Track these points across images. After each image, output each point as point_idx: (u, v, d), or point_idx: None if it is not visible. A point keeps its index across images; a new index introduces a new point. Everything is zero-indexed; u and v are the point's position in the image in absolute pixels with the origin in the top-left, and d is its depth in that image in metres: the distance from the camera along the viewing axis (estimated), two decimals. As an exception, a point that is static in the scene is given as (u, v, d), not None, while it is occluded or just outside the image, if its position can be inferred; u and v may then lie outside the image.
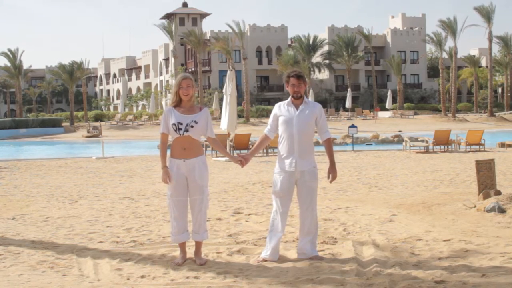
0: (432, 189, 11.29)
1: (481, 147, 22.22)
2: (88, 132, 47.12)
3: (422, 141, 22.91)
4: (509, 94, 65.68)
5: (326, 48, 68.00)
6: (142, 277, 5.32)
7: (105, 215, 8.82)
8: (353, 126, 24.23)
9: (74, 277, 5.39)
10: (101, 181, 13.97)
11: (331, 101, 70.65)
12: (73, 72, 61.92)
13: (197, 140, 5.77)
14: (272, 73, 68.21)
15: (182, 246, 5.82)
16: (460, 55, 67.99)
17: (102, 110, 76.76)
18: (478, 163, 9.41)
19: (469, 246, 6.20)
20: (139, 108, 73.75)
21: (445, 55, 61.89)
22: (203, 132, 5.75)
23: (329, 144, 5.94)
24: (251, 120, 53.92)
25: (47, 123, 52.76)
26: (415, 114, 59.55)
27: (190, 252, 5.94)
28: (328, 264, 5.61)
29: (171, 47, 65.15)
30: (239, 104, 53.91)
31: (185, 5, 72.59)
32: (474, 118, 56.23)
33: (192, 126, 5.64)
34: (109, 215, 8.86)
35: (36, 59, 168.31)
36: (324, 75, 70.17)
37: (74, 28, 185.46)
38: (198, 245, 5.86)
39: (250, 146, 22.34)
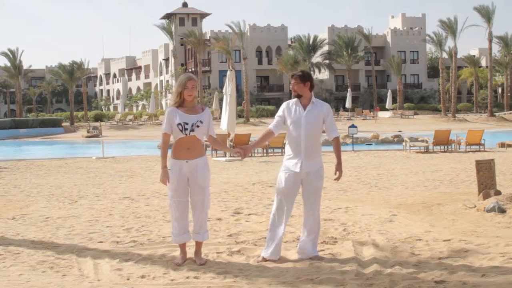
0: (432, 189, 11.29)
1: (481, 147, 22.22)
2: (88, 132, 47.12)
3: (422, 141, 22.91)
4: (509, 94, 65.69)
5: (326, 48, 68.02)
6: (142, 277, 5.32)
7: (105, 215, 8.82)
8: (353, 126, 24.23)
9: (74, 277, 5.39)
10: (101, 181, 13.97)
11: (331, 101, 70.64)
12: (73, 72, 61.94)
13: (201, 140, 5.80)
14: (272, 73, 68.22)
15: (183, 246, 5.82)
16: (460, 55, 68.04)
17: (102, 110, 76.77)
18: (478, 163, 9.41)
19: (469, 246, 6.20)
20: (139, 108, 73.76)
21: (445, 55, 61.91)
22: (206, 132, 5.76)
23: (337, 143, 5.94)
24: (251, 120, 53.91)
25: (47, 123, 52.76)
26: (415, 114, 59.56)
27: (190, 252, 5.94)
28: (328, 264, 5.61)
29: (171, 47, 65.15)
30: (239, 104, 53.92)
31: (185, 5, 72.60)
32: (474, 118, 56.23)
33: (198, 126, 5.67)
34: (109, 215, 8.86)
35: (36, 59, 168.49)
36: (324, 75, 70.18)
37: (74, 28, 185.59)
38: (199, 245, 5.86)
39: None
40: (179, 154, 5.70)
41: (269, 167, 16.55)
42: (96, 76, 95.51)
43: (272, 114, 54.04)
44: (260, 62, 70.31)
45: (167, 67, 74.29)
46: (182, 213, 5.73)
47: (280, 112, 5.91)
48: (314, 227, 5.88)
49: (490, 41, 56.76)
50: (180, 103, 5.69)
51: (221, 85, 55.90)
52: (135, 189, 12.11)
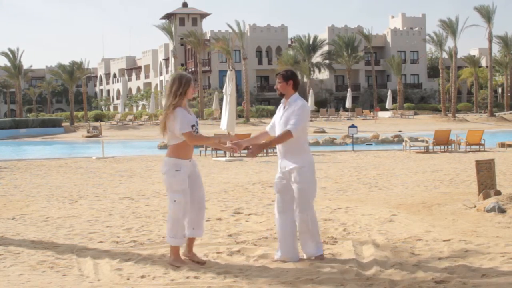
0: (432, 189, 11.29)
1: (481, 147, 22.22)
2: (88, 132, 47.12)
3: (422, 141, 22.91)
4: (509, 94, 65.70)
5: (326, 48, 68.03)
6: (142, 277, 5.32)
7: (105, 215, 8.82)
8: (353, 126, 24.24)
9: (74, 277, 5.39)
10: (101, 181, 13.97)
11: (331, 101, 70.67)
12: (73, 72, 61.95)
13: None
14: (272, 73, 68.18)
15: (178, 248, 5.81)
16: (460, 55, 68.05)
17: (102, 110, 76.76)
18: (478, 163, 9.41)
19: (469, 246, 6.20)
20: (139, 108, 73.76)
21: (445, 55, 61.90)
22: None
23: (282, 135, 5.64)
24: (251, 120, 53.92)
25: (47, 123, 52.76)
26: (415, 114, 59.55)
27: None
28: (328, 264, 5.61)
29: (171, 47, 65.15)
30: (239, 104, 53.92)
31: (185, 5, 72.61)
32: (474, 118, 56.24)
33: (198, 125, 5.73)
34: (109, 215, 8.86)
35: (36, 59, 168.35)
36: (324, 75, 70.19)
37: (74, 28, 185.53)
38: (193, 241, 5.86)
39: (250, 146, 22.30)
40: (185, 154, 5.68)
41: (269, 167, 16.55)
42: (96, 76, 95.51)
43: (272, 114, 54.00)
44: (260, 62, 70.32)
45: (167, 67, 74.29)
46: (185, 214, 5.73)
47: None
48: (304, 228, 5.80)
49: (490, 41, 56.77)
50: (180, 103, 5.66)
51: (221, 85, 55.87)
52: (135, 189, 12.11)
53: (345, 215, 8.41)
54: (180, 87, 5.60)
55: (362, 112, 58.85)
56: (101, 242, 6.90)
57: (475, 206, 8.51)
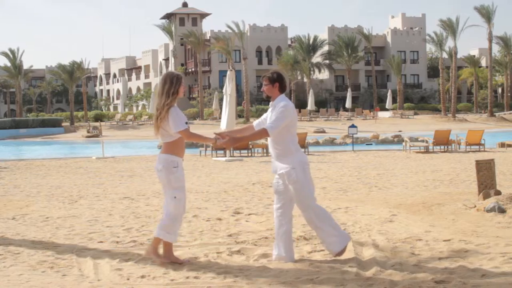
0: (432, 189, 11.29)
1: (481, 147, 22.22)
2: (88, 132, 47.13)
3: (422, 141, 22.91)
4: (509, 94, 65.70)
5: (326, 48, 68.02)
6: (142, 277, 5.32)
7: (105, 215, 8.82)
8: (353, 126, 24.24)
9: (74, 277, 5.39)
10: (101, 181, 13.97)
11: (331, 101, 70.67)
12: (73, 72, 61.97)
13: None
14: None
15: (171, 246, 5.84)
16: (460, 55, 68.08)
17: (102, 110, 76.78)
18: (478, 163, 9.41)
19: (469, 246, 6.20)
20: (139, 108, 73.75)
21: (445, 55, 61.91)
22: None
23: (259, 131, 5.66)
24: (251, 120, 53.89)
25: (47, 123, 52.78)
26: (415, 114, 59.56)
27: (190, 252, 5.94)
28: (328, 264, 5.61)
29: (171, 47, 65.18)
30: (239, 104, 53.92)
31: (185, 5, 72.60)
32: (474, 118, 56.24)
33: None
34: (109, 215, 8.86)
35: (36, 59, 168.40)
36: (324, 75, 70.18)
37: (74, 28, 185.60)
38: (159, 242, 5.86)
39: (251, 146, 22.35)
40: (180, 152, 5.71)
41: (269, 167, 16.55)
42: (96, 76, 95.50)
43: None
44: (260, 62, 70.30)
45: (167, 67, 74.25)
46: (184, 211, 5.77)
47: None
48: (312, 226, 5.83)
49: (490, 41, 56.79)
50: (173, 103, 5.62)
51: (221, 85, 55.86)
52: (135, 189, 12.11)
53: (345, 215, 8.40)
54: (172, 86, 5.60)
55: (362, 112, 58.85)
56: (101, 242, 6.89)
57: (475, 206, 8.51)
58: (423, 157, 19.76)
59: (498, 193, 8.91)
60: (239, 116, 53.02)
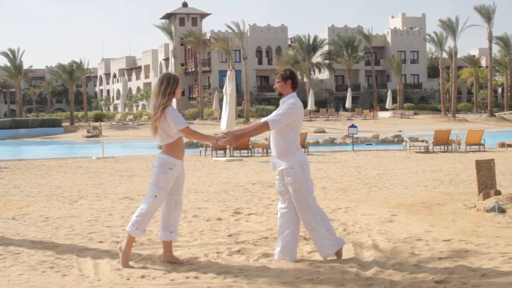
0: (432, 189, 11.29)
1: (481, 147, 22.22)
2: (88, 132, 47.13)
3: (422, 141, 22.91)
4: (509, 94, 65.69)
5: (326, 48, 68.02)
6: (142, 277, 5.31)
7: (105, 215, 8.82)
8: (353, 126, 24.24)
9: (74, 277, 5.39)
10: (101, 181, 13.97)
11: (331, 101, 70.65)
12: (73, 72, 61.97)
13: None
14: (272, 73, 67.98)
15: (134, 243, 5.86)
16: (460, 55, 68.05)
17: (102, 110, 76.78)
18: (478, 163, 9.41)
19: (469, 246, 6.20)
20: (139, 108, 73.74)
21: (445, 55, 61.89)
22: None
23: (259, 124, 5.60)
24: (251, 120, 53.89)
25: (47, 123, 52.77)
26: (415, 114, 59.55)
27: (190, 252, 5.93)
28: (328, 264, 5.61)
29: (171, 47, 65.16)
30: (239, 104, 53.91)
31: (185, 5, 72.58)
32: (474, 118, 56.24)
33: None
34: (109, 215, 8.86)
35: (36, 59, 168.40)
36: (324, 75, 70.17)
37: (74, 28, 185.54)
38: (170, 245, 5.84)
39: (251, 146, 22.35)
40: (180, 154, 5.70)
41: (269, 167, 16.53)
42: (96, 76, 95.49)
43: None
44: (260, 62, 70.28)
45: (167, 67, 74.24)
46: (155, 211, 5.76)
47: None
48: (308, 227, 5.80)
49: (490, 41, 56.77)
50: (169, 103, 5.63)
51: (221, 85, 55.88)
52: (135, 189, 12.11)
53: (345, 215, 8.40)
54: (168, 86, 5.59)
55: (362, 112, 58.84)
56: (101, 242, 6.89)
57: (475, 206, 8.51)
58: (423, 157, 19.76)
59: (498, 193, 8.91)
60: (239, 116, 53.01)
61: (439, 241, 6.53)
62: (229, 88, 20.39)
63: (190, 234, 7.24)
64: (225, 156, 20.64)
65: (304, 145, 22.23)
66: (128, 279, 5.27)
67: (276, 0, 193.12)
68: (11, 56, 63.08)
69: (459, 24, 57.23)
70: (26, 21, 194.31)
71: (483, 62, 74.34)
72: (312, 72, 65.74)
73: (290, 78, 5.78)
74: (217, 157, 21.04)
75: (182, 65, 69.19)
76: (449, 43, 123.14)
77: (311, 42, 65.96)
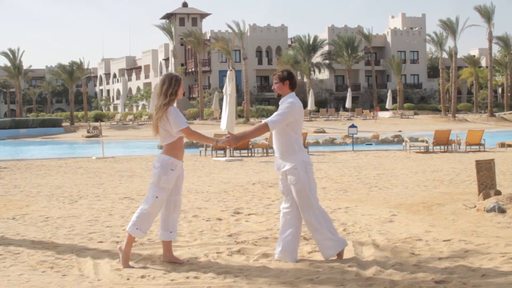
0: (432, 189, 11.29)
1: (481, 147, 22.22)
2: (88, 132, 47.12)
3: (422, 141, 22.91)
4: (509, 94, 65.68)
5: (326, 48, 68.01)
6: (142, 277, 5.31)
7: (105, 215, 8.82)
8: (353, 126, 24.24)
9: (74, 277, 5.39)
10: (101, 181, 13.97)
11: (331, 101, 70.65)
12: (73, 72, 61.97)
13: None
14: (272, 73, 67.32)
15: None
16: (460, 55, 68.05)
17: (102, 110, 76.77)
18: (478, 163, 9.41)
19: (469, 246, 6.20)
20: (139, 108, 73.76)
21: (445, 55, 61.88)
22: None
23: (259, 126, 5.62)
24: (251, 120, 53.92)
25: (47, 123, 52.77)
26: (415, 114, 59.54)
27: (190, 252, 5.93)
28: (328, 264, 5.61)
29: (171, 47, 65.16)
30: (239, 104, 53.92)
31: (185, 5, 72.58)
32: (474, 118, 56.23)
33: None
34: (109, 215, 8.86)
35: (36, 59, 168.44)
36: (324, 75, 70.17)
37: (74, 28, 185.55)
38: (170, 245, 5.85)
39: (251, 146, 22.34)
40: (180, 155, 5.71)
41: (269, 167, 16.55)
42: (96, 76, 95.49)
43: (272, 114, 53.98)
44: (260, 62, 70.28)
45: (167, 67, 74.24)
46: (158, 212, 5.75)
47: None
48: (310, 228, 5.79)
49: (490, 41, 56.76)
50: (171, 103, 5.62)
51: (221, 85, 55.89)
52: (135, 189, 12.11)
53: (345, 215, 8.40)
54: (170, 87, 5.60)
55: (362, 112, 58.85)
56: (101, 242, 6.89)
57: (475, 206, 8.51)
58: (423, 157, 19.76)
59: (498, 193, 8.91)
60: (239, 116, 53.03)
61: (439, 241, 6.53)
62: (229, 88, 20.39)
63: (190, 234, 7.24)
64: (225, 156, 20.64)
65: (304, 145, 22.19)
66: (128, 279, 5.27)
67: (276, 0, 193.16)
68: (11, 56, 63.09)
69: (459, 24, 57.29)
70: (26, 21, 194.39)
71: (483, 62, 74.34)
72: (312, 72, 65.73)
73: (288, 79, 5.78)
74: (217, 157, 21.04)
75: (182, 65, 69.19)
76: (449, 43, 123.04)
77: (311, 42, 65.96)
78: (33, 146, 37.61)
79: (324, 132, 41.99)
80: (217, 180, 13.68)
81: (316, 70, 66.79)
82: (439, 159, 18.61)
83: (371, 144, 29.39)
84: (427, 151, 21.95)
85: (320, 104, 64.93)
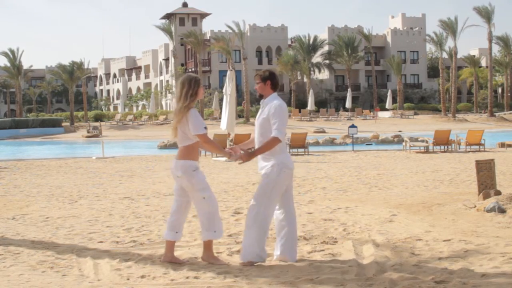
0: (432, 189, 11.28)
1: (481, 147, 22.21)
2: (88, 132, 47.12)
3: (422, 141, 22.90)
4: (509, 94, 65.70)
5: (326, 48, 68.03)
6: (142, 277, 5.31)
7: (105, 215, 8.82)
8: (353, 126, 24.23)
9: (74, 277, 5.39)
10: (101, 181, 13.97)
11: (331, 101, 70.65)
12: (73, 72, 61.99)
13: None
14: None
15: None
16: (460, 55, 68.05)
17: (102, 110, 76.77)
18: (478, 163, 9.41)
19: (469, 246, 6.20)
20: (139, 108, 73.76)
21: (445, 55, 61.90)
22: None
23: (269, 141, 5.54)
24: (251, 120, 53.89)
25: (47, 123, 52.76)
26: (415, 114, 59.56)
27: (190, 252, 5.93)
28: (328, 264, 5.61)
29: (171, 47, 65.17)
30: (239, 104, 53.91)
31: (185, 5, 72.59)
32: (474, 118, 56.23)
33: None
34: (109, 215, 8.86)
35: (36, 59, 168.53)
36: (324, 75, 70.18)
37: (74, 28, 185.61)
38: (172, 245, 5.89)
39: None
40: (196, 156, 5.71)
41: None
42: (96, 76, 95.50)
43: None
44: (260, 62, 70.30)
45: (167, 67, 74.28)
46: (216, 208, 5.74)
47: None
48: (248, 220, 5.69)
49: (490, 41, 56.78)
50: (192, 105, 5.60)
51: (221, 85, 55.88)
52: (135, 189, 12.11)
53: (345, 215, 8.40)
54: (190, 89, 5.59)
55: (362, 112, 58.85)
56: (101, 242, 6.89)
57: (475, 206, 8.51)
58: (423, 157, 19.76)
59: (498, 193, 8.91)
60: (239, 116, 53.03)
61: (439, 241, 6.53)
62: (229, 88, 20.39)
63: (190, 234, 7.24)
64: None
65: (304, 145, 22.24)
66: (128, 279, 5.27)
67: (276, 0, 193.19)
68: (11, 56, 63.10)
69: (459, 24, 57.32)
70: (26, 21, 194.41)
71: (483, 62, 74.34)
72: (312, 72, 65.74)
73: (270, 79, 5.75)
74: (217, 157, 21.02)
75: (182, 65, 69.20)
76: (449, 43, 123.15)
77: (311, 42, 65.99)
78: (33, 146, 37.61)
79: (324, 132, 41.98)
80: (217, 180, 13.67)
81: (316, 70, 66.80)
82: (439, 159, 18.61)
83: (371, 144, 29.39)
84: (427, 151, 21.95)
85: (320, 104, 64.94)
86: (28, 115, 71.01)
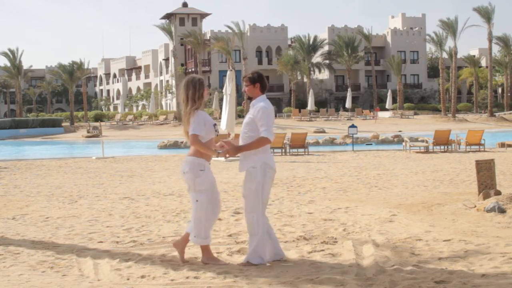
0: (432, 189, 11.29)
1: (481, 147, 22.21)
2: (88, 132, 47.13)
3: (422, 141, 22.91)
4: (509, 94, 65.69)
5: (326, 48, 68.04)
6: (142, 277, 5.31)
7: (105, 215, 8.82)
8: (353, 126, 24.24)
9: (74, 277, 5.39)
10: (101, 181, 13.97)
11: (331, 101, 70.65)
12: (73, 72, 61.99)
13: None
14: (272, 73, 68.21)
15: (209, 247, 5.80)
16: (460, 55, 68.05)
17: (102, 110, 76.79)
18: (478, 163, 9.41)
19: (469, 246, 6.20)
20: (139, 108, 73.77)
21: (445, 55, 61.89)
22: None
23: (259, 140, 5.55)
24: (251, 120, 53.92)
25: (47, 123, 52.77)
26: (415, 114, 59.55)
27: (190, 252, 5.93)
28: (328, 264, 5.61)
29: (171, 47, 65.15)
30: (239, 104, 53.92)
31: (185, 5, 72.58)
32: (474, 118, 56.24)
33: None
34: (109, 215, 8.86)
35: (36, 59, 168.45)
36: (324, 75, 70.18)
37: (74, 28, 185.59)
38: (187, 241, 5.88)
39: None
40: (208, 156, 5.68)
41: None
42: (96, 76, 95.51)
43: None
44: (260, 62, 70.28)
45: (167, 67, 74.27)
46: (210, 213, 5.69)
47: None
48: (249, 232, 5.70)
49: (490, 41, 56.77)
50: (199, 106, 5.61)
51: (221, 85, 55.87)
52: (135, 189, 12.11)
53: (345, 215, 8.40)
54: (195, 91, 5.60)
55: (362, 112, 58.84)
56: (101, 242, 6.89)
57: (475, 206, 8.51)
58: (423, 157, 19.76)
59: (498, 193, 8.91)
60: (239, 116, 53.01)
61: (439, 241, 6.53)
62: (229, 88, 20.39)
63: (190, 234, 7.23)
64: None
65: (304, 145, 22.25)
66: (128, 279, 5.27)
67: (276, 0, 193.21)
68: (10, 56, 63.09)
69: (459, 24, 57.32)
70: (26, 21, 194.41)
71: (483, 62, 74.35)
72: (312, 72, 65.74)
73: (258, 81, 5.76)
74: (217, 157, 21.02)
75: (182, 65, 69.19)
76: (449, 43, 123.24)
77: (311, 42, 65.98)
78: (33, 146, 37.61)
79: (324, 132, 41.99)
80: (217, 180, 13.60)
81: (316, 70, 66.80)
82: (439, 159, 18.61)
83: (371, 144, 29.39)
84: (427, 151, 21.95)
85: (320, 104, 64.94)
86: (28, 115, 71.03)
